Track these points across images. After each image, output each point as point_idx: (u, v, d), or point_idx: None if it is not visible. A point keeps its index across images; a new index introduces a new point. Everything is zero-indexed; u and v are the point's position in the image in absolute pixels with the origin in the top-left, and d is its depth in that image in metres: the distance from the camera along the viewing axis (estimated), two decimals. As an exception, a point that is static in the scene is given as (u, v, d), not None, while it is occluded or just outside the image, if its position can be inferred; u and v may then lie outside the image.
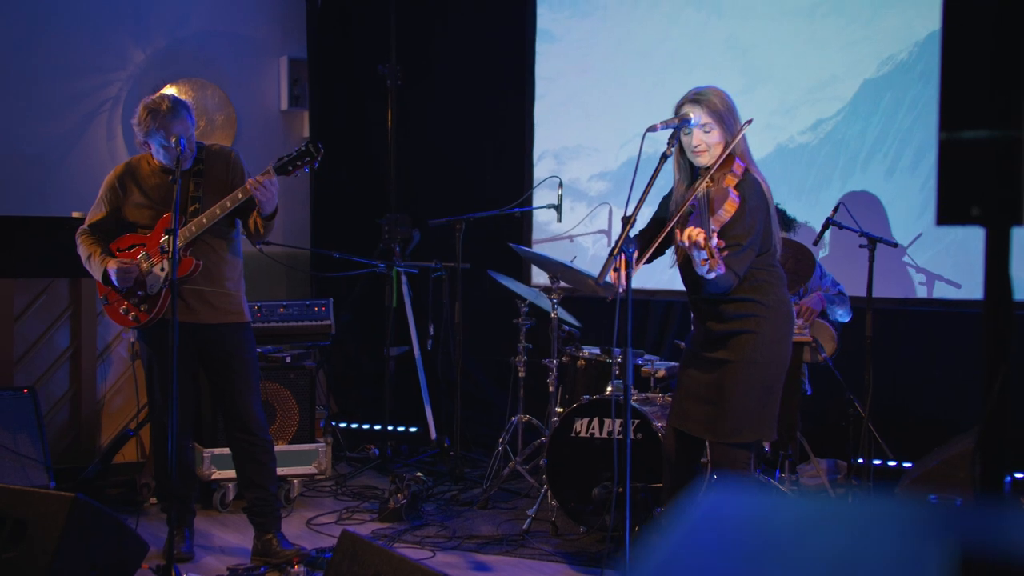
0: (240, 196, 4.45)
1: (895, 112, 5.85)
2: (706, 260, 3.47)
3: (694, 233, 3.46)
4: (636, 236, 4.00)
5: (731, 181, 3.80)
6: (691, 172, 3.97)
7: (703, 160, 3.87)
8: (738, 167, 3.83)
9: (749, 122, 3.82)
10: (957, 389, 5.64)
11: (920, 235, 5.66)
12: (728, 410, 3.87)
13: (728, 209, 3.74)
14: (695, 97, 3.86)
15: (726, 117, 3.84)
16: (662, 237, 3.90)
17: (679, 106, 3.89)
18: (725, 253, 3.54)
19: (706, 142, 3.85)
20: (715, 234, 3.54)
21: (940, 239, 5.71)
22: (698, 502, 1.08)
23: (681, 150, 3.94)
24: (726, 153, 3.83)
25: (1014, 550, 0.94)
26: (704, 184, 3.82)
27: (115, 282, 4.55)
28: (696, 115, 3.83)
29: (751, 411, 3.87)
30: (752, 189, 3.81)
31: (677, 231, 3.70)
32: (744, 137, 3.87)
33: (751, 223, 3.78)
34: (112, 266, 4.55)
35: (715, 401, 3.89)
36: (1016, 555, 0.92)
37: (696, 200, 3.82)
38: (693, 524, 1.06)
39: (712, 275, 3.53)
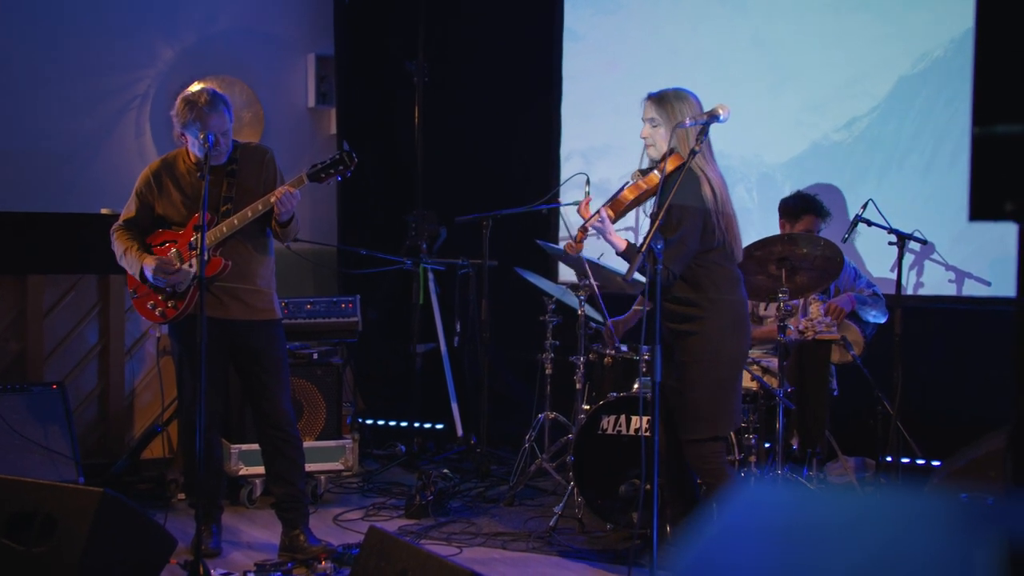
0: (263, 205, 4.47)
1: (931, 109, 5.79)
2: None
3: (581, 208, 3.92)
4: None
5: (651, 176, 4.01)
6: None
7: (651, 153, 4.11)
8: (672, 162, 3.98)
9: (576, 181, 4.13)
10: (987, 387, 5.58)
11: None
12: (686, 407, 4.07)
13: (626, 195, 4.01)
14: (652, 94, 4.10)
15: (675, 117, 4.00)
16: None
17: (643, 101, 4.13)
18: (585, 233, 3.88)
19: (651, 136, 4.09)
20: (596, 217, 3.86)
21: (975, 236, 5.64)
22: (730, 503, 1.06)
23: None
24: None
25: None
26: (635, 175, 4.07)
27: (151, 280, 4.57)
28: (648, 113, 4.08)
29: (705, 408, 4.06)
30: (682, 184, 3.91)
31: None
32: (700, 136, 3.93)
33: (678, 218, 3.92)
34: (149, 264, 4.57)
35: (681, 401, 4.09)
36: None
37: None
38: (725, 527, 1.04)
39: (573, 255, 4.01)
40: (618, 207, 3.95)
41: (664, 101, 4.05)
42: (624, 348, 4.52)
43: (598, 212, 3.82)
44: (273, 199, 4.42)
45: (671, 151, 4.02)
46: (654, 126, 4.05)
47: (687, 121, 3.92)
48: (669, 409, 4.14)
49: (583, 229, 3.86)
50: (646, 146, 4.13)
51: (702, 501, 4.72)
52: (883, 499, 1.11)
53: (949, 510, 1.07)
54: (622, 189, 4.00)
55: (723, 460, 4.13)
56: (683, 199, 3.90)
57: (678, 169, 3.95)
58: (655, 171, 3.99)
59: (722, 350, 4.05)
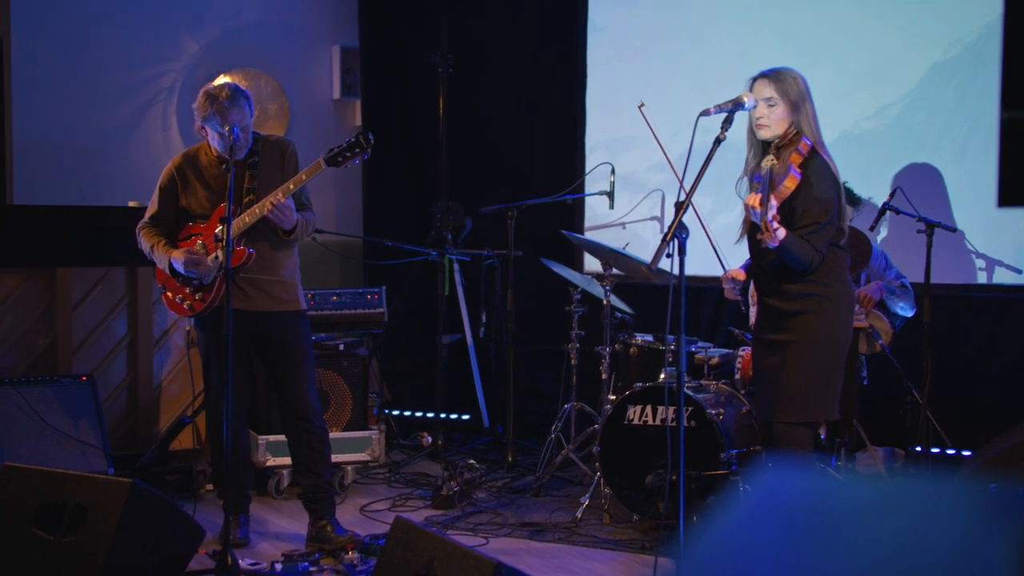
0: (250, 218, 4.48)
1: (964, 96, 5.70)
2: (762, 234, 3.62)
3: (752, 200, 3.65)
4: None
5: (795, 159, 3.87)
6: (762, 149, 4.03)
7: (763, 134, 3.96)
8: (804, 145, 3.89)
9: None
10: (1018, 376, 5.54)
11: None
12: (790, 388, 3.94)
13: (788, 185, 3.82)
14: (767, 72, 3.97)
15: (794, 96, 3.92)
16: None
17: (752, 81, 4.00)
18: (775, 226, 3.63)
19: (768, 116, 3.94)
20: (773, 208, 3.65)
21: (1008, 224, 5.57)
22: (751, 487, 1.06)
23: (752, 128, 4.04)
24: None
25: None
26: (769, 160, 3.83)
27: (182, 271, 4.59)
28: (763, 92, 3.93)
29: (814, 389, 3.94)
30: (821, 169, 3.88)
31: (744, 203, 3.82)
32: (815, 119, 3.95)
33: (826, 203, 3.86)
34: (178, 256, 4.59)
35: (778, 381, 3.96)
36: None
37: (760, 175, 3.85)
38: (746, 509, 1.04)
39: (771, 245, 3.65)
40: (780, 198, 3.82)
41: (782, 79, 3.93)
42: (740, 297, 4.31)
43: (769, 203, 3.62)
44: (264, 211, 4.44)
45: (797, 133, 3.92)
46: (771, 105, 3.91)
47: (712, 109, 3.85)
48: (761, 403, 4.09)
49: (768, 223, 3.62)
50: (757, 127, 3.97)
51: None
52: (907, 487, 1.10)
53: (973, 499, 1.06)
54: (782, 179, 3.82)
55: (812, 447, 4.01)
56: (827, 182, 3.87)
57: (811, 153, 3.89)
58: (794, 155, 3.86)
59: (837, 333, 3.97)
